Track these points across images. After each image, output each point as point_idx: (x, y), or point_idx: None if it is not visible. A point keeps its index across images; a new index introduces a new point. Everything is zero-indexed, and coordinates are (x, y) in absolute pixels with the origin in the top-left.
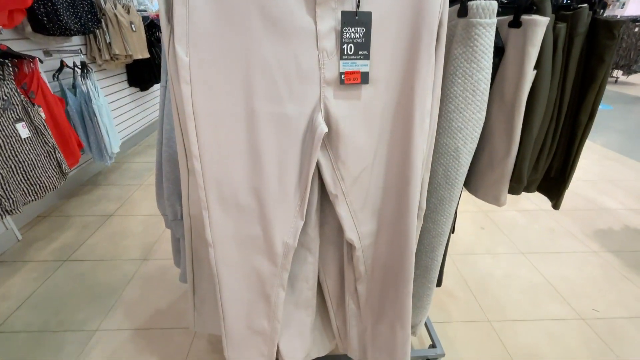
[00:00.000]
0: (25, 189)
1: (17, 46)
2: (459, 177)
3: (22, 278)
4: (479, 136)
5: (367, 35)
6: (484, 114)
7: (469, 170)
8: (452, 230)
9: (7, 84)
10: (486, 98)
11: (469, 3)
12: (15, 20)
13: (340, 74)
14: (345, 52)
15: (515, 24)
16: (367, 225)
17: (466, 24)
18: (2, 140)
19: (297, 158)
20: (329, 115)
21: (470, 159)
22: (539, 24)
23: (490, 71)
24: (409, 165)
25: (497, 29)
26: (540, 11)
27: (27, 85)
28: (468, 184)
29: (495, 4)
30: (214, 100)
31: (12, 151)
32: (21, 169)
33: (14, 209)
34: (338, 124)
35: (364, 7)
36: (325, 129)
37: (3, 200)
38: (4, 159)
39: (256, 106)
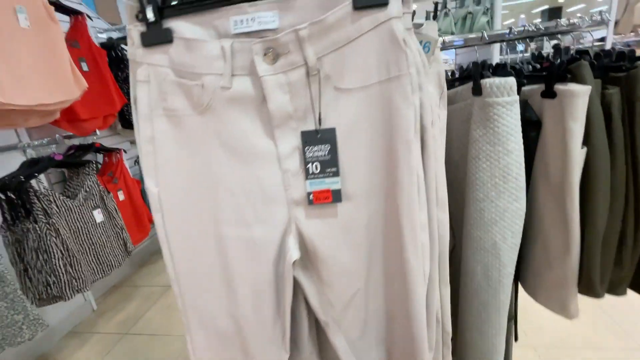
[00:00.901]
0: (94, 268)
1: (110, 141)
2: (503, 278)
3: (88, 351)
4: (521, 229)
5: (334, 151)
6: (523, 202)
7: (525, 268)
8: (516, 338)
9: (91, 178)
10: (522, 184)
11: (482, 81)
12: (108, 123)
13: (308, 194)
14: (311, 172)
15: (549, 94)
16: (372, 356)
17: (482, 104)
18: (81, 225)
19: (271, 284)
20: (303, 236)
21: (514, 257)
22: (578, 95)
23: (521, 153)
24: (406, 287)
25: (526, 102)
26: (577, 78)
27: (112, 173)
28: (525, 284)
29: (512, 81)
30: (185, 227)
31: (88, 234)
32: (93, 250)
33: (82, 288)
34: (315, 245)
35: (326, 124)
36: (296, 255)
37: (74, 280)
38: (80, 242)
39: (224, 231)
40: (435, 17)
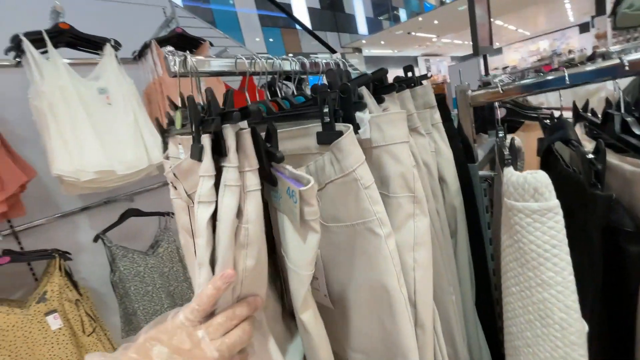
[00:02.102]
0: None
1: None
2: None
3: None
4: None
5: None
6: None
7: None
8: None
9: None
10: (576, 338)
11: (504, 172)
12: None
13: None
14: None
15: None
16: None
17: (504, 204)
18: None
19: None
20: None
21: None
22: None
23: (570, 290)
24: None
25: (611, 198)
26: None
27: None
28: None
29: (541, 180)
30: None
31: None
32: None
33: None
34: None
35: None
36: None
37: None
38: None
39: None
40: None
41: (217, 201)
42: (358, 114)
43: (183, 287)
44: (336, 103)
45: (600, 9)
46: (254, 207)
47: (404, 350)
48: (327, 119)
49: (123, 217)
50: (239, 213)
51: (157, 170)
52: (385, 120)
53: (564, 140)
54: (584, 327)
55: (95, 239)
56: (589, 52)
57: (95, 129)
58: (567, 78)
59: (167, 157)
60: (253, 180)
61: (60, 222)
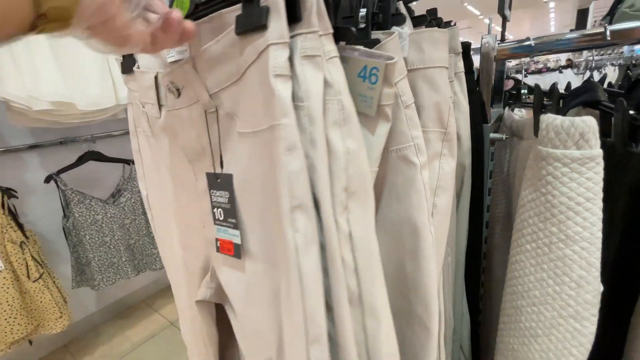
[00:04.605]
0: None
1: None
2: None
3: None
4: (584, 357)
5: (232, 201)
6: (591, 326)
7: None
8: None
9: None
10: (592, 297)
11: (541, 117)
12: None
13: (216, 240)
14: (217, 217)
15: None
16: None
17: (536, 154)
18: None
19: (200, 313)
20: (217, 279)
21: None
22: None
23: (594, 247)
24: None
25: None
26: None
27: None
28: None
29: (589, 124)
30: (162, 227)
31: None
32: None
33: None
34: (226, 291)
35: (230, 169)
36: (202, 295)
37: None
38: None
39: (175, 247)
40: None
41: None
42: (396, 28)
43: (145, 242)
44: (375, 7)
45: (580, 24)
46: (340, 74)
47: (425, 296)
48: (363, 25)
49: (82, 160)
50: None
51: (125, 114)
52: (427, 38)
53: (590, 103)
54: (600, 287)
55: (47, 180)
56: (562, 62)
57: (54, 52)
58: (608, 34)
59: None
60: (332, 46)
61: (5, 157)
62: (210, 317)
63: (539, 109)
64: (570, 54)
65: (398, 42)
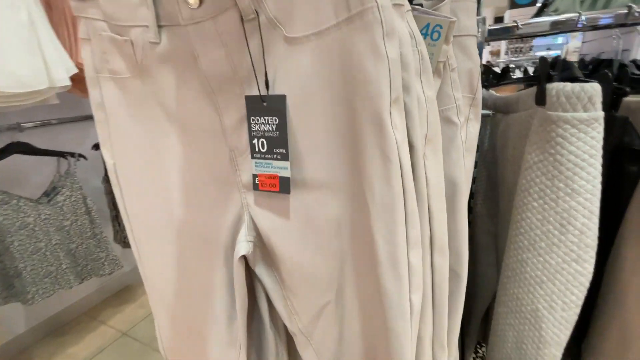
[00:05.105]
0: None
1: None
2: (541, 357)
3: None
4: (580, 301)
5: (283, 127)
6: (589, 265)
7: (587, 351)
8: None
9: None
10: (591, 240)
11: (549, 86)
12: None
13: (254, 176)
14: (257, 149)
15: None
16: None
17: (544, 119)
18: None
19: (224, 280)
20: (258, 228)
21: (565, 335)
22: None
23: (594, 196)
24: (384, 321)
25: (626, 120)
26: None
27: None
28: None
29: (594, 89)
30: (142, 203)
31: None
32: None
33: None
34: (270, 241)
35: (276, 89)
36: (244, 250)
37: None
38: None
39: (175, 213)
40: None
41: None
42: None
43: (89, 245)
44: None
45: None
46: (416, 27)
47: (458, 247)
48: None
49: (5, 152)
50: None
51: (57, 99)
52: (462, 7)
53: (570, 78)
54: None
55: None
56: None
57: None
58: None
59: None
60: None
61: None
62: (244, 279)
63: (544, 80)
64: (489, 56)
65: (448, 8)
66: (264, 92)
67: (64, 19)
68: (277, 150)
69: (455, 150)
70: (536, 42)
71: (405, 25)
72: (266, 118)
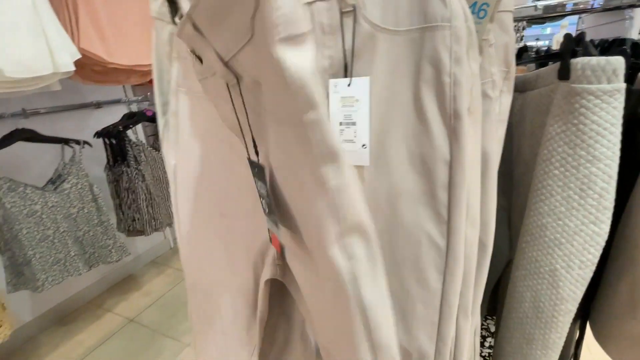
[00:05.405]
0: (171, 212)
1: None
2: (558, 315)
3: (162, 280)
4: (595, 260)
5: (270, 195)
6: (606, 227)
7: (598, 309)
8: None
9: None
10: (608, 203)
11: (573, 61)
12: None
13: (269, 230)
14: (264, 209)
15: None
16: None
17: (568, 92)
18: (163, 175)
19: (251, 289)
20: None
21: (580, 292)
22: None
23: (614, 162)
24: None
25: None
26: None
27: None
28: (596, 329)
29: (618, 62)
30: (192, 205)
31: (168, 183)
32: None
33: (159, 227)
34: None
35: (263, 156)
36: (270, 274)
37: (153, 220)
38: (161, 189)
39: (222, 222)
40: None
41: None
42: None
43: (97, 232)
44: None
45: None
46: (465, 2)
47: (486, 216)
48: None
49: (10, 138)
50: None
51: (60, 86)
52: None
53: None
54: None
55: None
56: None
57: None
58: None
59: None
60: None
61: None
62: (267, 300)
63: (569, 55)
64: None
65: None
66: (253, 157)
67: (64, 2)
68: (272, 216)
69: (489, 122)
70: (526, 32)
71: (458, 1)
72: (260, 183)
